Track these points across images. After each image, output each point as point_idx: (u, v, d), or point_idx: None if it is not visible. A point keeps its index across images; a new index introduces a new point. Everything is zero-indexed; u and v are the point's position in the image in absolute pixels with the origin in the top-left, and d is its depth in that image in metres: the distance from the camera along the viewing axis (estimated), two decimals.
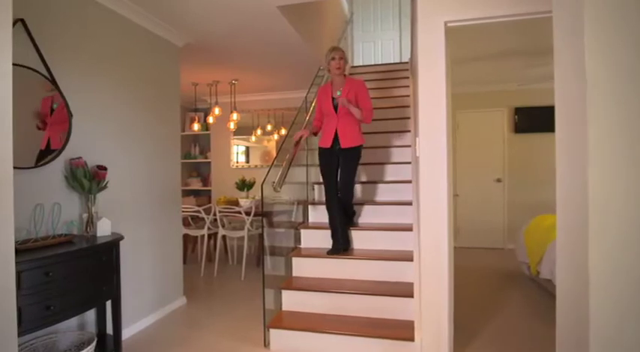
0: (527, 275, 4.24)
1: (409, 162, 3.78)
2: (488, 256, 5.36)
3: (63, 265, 2.03)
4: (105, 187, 2.54)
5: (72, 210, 2.46)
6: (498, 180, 5.84)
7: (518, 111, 5.74)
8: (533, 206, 5.59)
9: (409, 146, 3.89)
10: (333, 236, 3.13)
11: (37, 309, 1.86)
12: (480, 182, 5.85)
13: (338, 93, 3.06)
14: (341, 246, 3.08)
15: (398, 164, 3.79)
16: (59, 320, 2.00)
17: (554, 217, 4.21)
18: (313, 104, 3.70)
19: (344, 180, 3.14)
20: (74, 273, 2.09)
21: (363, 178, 3.77)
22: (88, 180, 2.41)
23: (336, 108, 3.06)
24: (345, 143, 3.06)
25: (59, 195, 2.37)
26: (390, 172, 3.77)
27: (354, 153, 3.10)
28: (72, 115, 2.42)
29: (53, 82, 2.32)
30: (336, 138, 3.07)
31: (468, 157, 5.84)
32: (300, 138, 3.22)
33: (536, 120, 5.65)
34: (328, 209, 3.16)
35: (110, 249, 2.36)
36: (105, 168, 2.55)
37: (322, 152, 3.17)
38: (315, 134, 3.33)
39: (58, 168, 2.37)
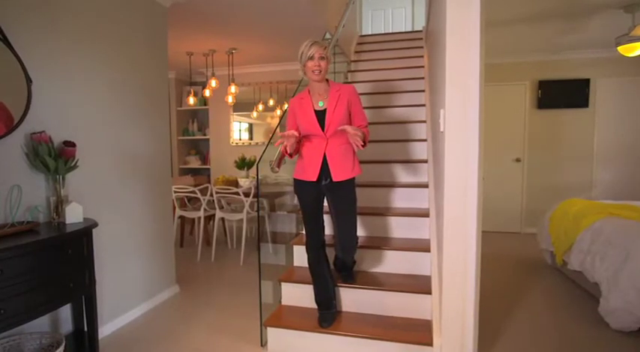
0: (549, 263, 3.90)
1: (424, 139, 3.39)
2: (505, 241, 5.01)
3: (17, 260, 1.69)
4: (74, 167, 2.18)
5: (36, 193, 2.11)
6: (517, 160, 5.42)
7: (542, 84, 5.26)
8: (555, 188, 5.24)
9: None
10: (322, 305, 2.38)
11: None
12: (497, 162, 5.43)
13: (320, 104, 2.21)
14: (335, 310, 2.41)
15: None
16: (12, 326, 1.68)
17: (583, 202, 3.79)
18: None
19: (344, 231, 2.30)
20: (32, 269, 1.76)
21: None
22: (53, 158, 2.06)
23: (322, 124, 2.19)
24: (338, 174, 2.20)
25: (19, 176, 2.02)
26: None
27: (350, 187, 2.28)
28: (31, 81, 2.04)
29: (5, 40, 1.93)
30: (324, 168, 2.22)
31: (484, 135, 5.40)
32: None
33: (560, 94, 5.20)
34: (314, 271, 2.39)
35: (79, 239, 2.03)
36: (73, 145, 2.18)
37: (303, 187, 2.29)
38: (292, 156, 2.29)
39: (16, 144, 2.01)
